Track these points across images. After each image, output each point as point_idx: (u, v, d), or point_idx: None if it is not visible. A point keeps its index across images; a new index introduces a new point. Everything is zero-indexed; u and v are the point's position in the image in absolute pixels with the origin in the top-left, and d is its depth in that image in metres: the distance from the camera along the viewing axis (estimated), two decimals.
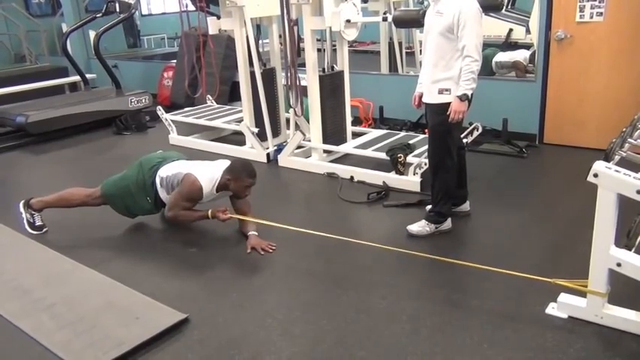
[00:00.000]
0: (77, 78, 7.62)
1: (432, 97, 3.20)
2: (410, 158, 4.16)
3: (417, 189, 4.06)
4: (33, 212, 3.70)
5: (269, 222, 3.26)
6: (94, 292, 2.89)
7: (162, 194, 3.51)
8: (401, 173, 4.16)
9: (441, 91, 3.14)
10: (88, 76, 7.59)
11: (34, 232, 3.66)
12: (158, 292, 2.84)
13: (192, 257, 3.30)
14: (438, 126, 3.21)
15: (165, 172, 3.48)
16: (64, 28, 8.74)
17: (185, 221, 3.48)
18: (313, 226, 3.28)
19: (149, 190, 3.51)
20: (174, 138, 5.76)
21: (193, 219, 3.44)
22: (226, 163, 3.48)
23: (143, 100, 6.81)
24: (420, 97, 3.39)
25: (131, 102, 6.69)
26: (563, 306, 2.53)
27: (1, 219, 3.88)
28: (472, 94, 3.09)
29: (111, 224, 3.70)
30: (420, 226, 3.37)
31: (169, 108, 6.68)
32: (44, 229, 3.69)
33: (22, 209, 3.71)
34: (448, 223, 3.40)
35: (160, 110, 5.90)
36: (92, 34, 7.47)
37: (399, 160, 4.13)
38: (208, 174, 3.36)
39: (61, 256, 3.32)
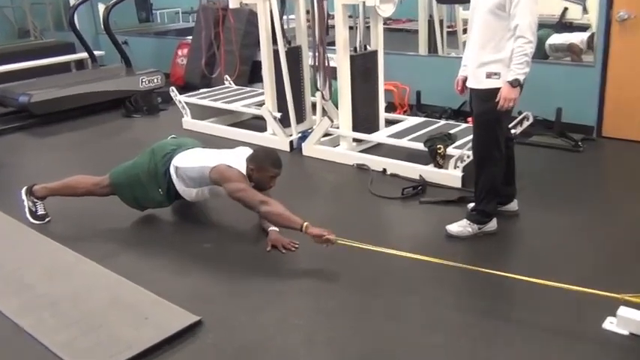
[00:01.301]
0: (84, 55, 7.69)
1: (478, 82, 3.16)
2: (451, 150, 4.11)
3: (458, 184, 4.01)
4: (35, 200, 3.74)
5: (370, 246, 3.00)
6: (100, 288, 2.92)
7: (179, 186, 3.51)
8: (440, 166, 4.12)
9: (489, 75, 3.09)
10: (96, 53, 7.65)
11: (36, 222, 3.70)
12: (169, 291, 2.85)
13: (206, 254, 3.31)
14: (484, 114, 3.16)
15: (181, 161, 3.48)
16: (72, 0, 8.83)
17: (276, 210, 3.11)
18: (340, 223, 3.27)
19: (161, 180, 3.52)
20: (188, 122, 5.79)
21: (284, 213, 3.10)
22: (247, 150, 3.47)
23: (155, 80, 6.84)
24: (464, 81, 3.36)
25: (142, 82, 6.74)
26: (624, 321, 2.46)
27: (1, 206, 3.94)
28: (524, 80, 3.03)
29: (119, 216, 3.72)
30: (461, 226, 3.34)
31: (183, 89, 6.71)
32: (47, 219, 3.73)
33: (24, 196, 3.75)
34: (493, 224, 3.35)
35: (173, 91, 5.92)
36: (101, 7, 7.55)
37: (439, 151, 4.10)
38: (235, 162, 3.33)
39: (64, 248, 3.35)
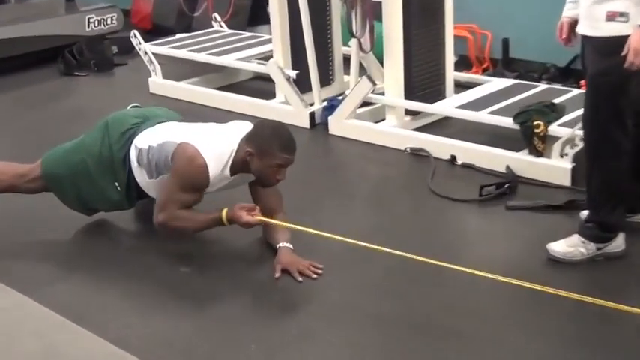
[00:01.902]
0: None
1: (594, 27, 3.15)
2: (554, 128, 4.11)
3: (567, 181, 4.01)
4: None
5: (325, 233, 3.15)
6: (27, 332, 2.95)
7: (141, 177, 3.54)
8: (539, 153, 4.13)
9: (611, 17, 3.07)
10: None
11: None
12: (129, 337, 2.88)
13: (184, 282, 3.34)
14: (603, 75, 3.15)
15: (145, 140, 3.50)
16: None
17: (185, 229, 3.45)
18: (385, 237, 3.27)
19: (119, 169, 3.55)
20: (158, 83, 5.85)
21: (198, 226, 3.40)
22: (244, 126, 3.49)
23: (109, 21, 6.92)
24: (572, 25, 3.37)
25: (90, 23, 6.81)
26: None
27: None
28: None
29: (56, 222, 3.78)
30: (570, 245, 3.33)
31: (151, 34, 6.78)
32: None
33: None
34: (619, 242, 3.34)
35: (135, 37, 5.96)
36: None
37: (537, 130, 4.09)
38: (216, 145, 3.35)
39: None
